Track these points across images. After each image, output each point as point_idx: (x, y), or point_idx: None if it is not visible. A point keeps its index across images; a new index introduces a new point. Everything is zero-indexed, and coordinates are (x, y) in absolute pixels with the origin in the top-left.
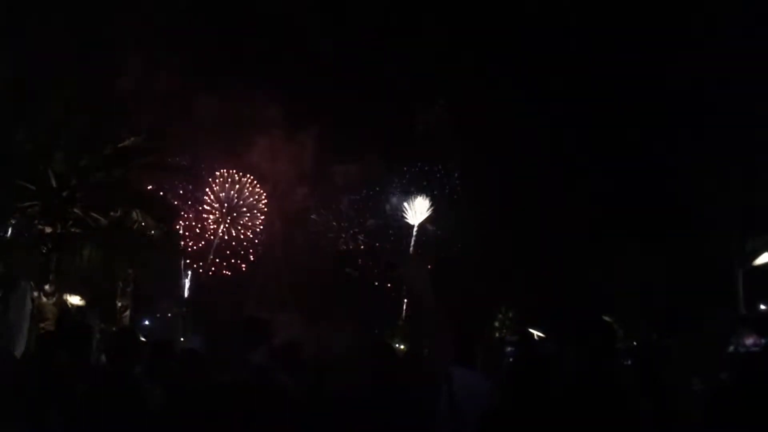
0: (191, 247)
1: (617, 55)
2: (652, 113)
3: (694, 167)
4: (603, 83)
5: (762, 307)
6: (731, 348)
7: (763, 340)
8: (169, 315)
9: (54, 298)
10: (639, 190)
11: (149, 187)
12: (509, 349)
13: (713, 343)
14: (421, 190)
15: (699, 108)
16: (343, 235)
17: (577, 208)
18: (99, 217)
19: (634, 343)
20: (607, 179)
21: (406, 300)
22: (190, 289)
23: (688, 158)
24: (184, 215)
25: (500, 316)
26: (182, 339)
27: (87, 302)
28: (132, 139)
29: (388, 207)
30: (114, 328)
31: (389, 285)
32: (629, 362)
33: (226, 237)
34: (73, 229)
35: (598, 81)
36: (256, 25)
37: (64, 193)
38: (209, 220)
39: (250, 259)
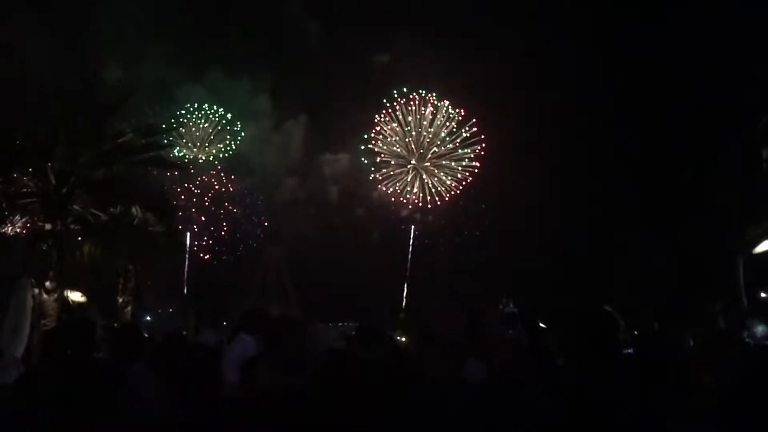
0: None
1: (618, 47)
2: (651, 102)
3: (693, 155)
4: (602, 74)
5: (763, 295)
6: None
7: None
8: (171, 310)
9: (55, 295)
10: (638, 179)
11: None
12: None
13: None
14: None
15: (697, 94)
16: None
17: (576, 198)
18: (99, 213)
19: (635, 333)
20: (607, 168)
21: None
22: (190, 283)
23: (687, 145)
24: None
25: (501, 307)
26: (184, 333)
27: (88, 299)
28: (131, 134)
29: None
30: (115, 324)
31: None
32: (630, 351)
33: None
34: (73, 226)
35: (598, 73)
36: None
37: (64, 190)
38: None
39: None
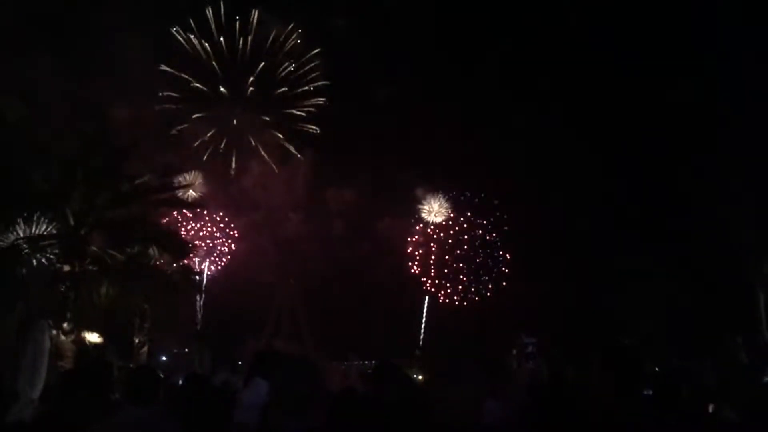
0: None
1: (638, 77)
2: (671, 133)
3: (713, 189)
4: (622, 108)
5: None
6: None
7: None
8: (186, 350)
9: (72, 336)
10: (659, 213)
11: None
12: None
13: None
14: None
15: (718, 128)
16: None
17: (596, 231)
18: (116, 254)
19: (656, 369)
20: (628, 202)
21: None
22: (203, 320)
23: (708, 181)
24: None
25: (521, 340)
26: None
27: (105, 339)
28: (148, 176)
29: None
30: (131, 365)
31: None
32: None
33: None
34: (90, 267)
35: (617, 105)
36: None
37: (82, 231)
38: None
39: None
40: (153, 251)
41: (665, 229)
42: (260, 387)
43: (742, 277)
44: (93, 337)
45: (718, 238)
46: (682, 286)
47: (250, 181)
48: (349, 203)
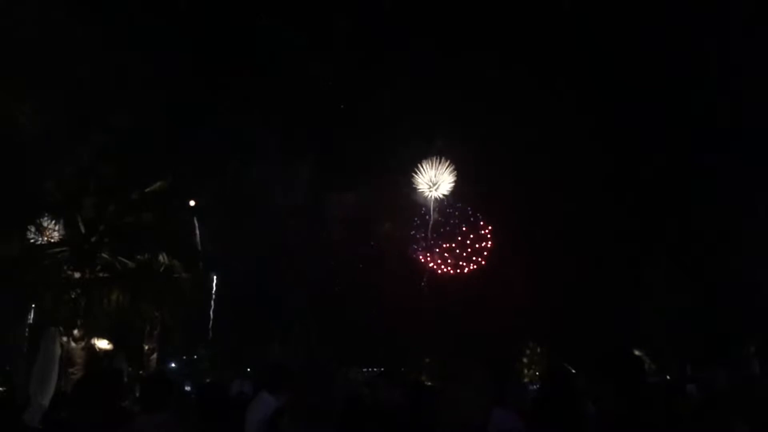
0: None
1: (652, 89)
2: (683, 145)
3: (724, 197)
4: (635, 118)
5: None
6: None
7: None
8: (195, 357)
9: (82, 343)
10: (669, 222)
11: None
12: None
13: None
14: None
15: (731, 138)
16: None
17: (606, 241)
18: (126, 261)
19: (668, 377)
20: (636, 211)
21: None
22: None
23: (718, 189)
24: None
25: (528, 351)
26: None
27: (115, 346)
28: (159, 182)
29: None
30: (141, 372)
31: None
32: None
33: None
34: (101, 274)
35: (631, 117)
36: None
37: (93, 239)
38: None
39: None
40: (163, 258)
41: (677, 239)
42: (265, 402)
43: (754, 287)
44: (103, 344)
45: (731, 247)
46: (694, 296)
47: (254, 187)
48: (354, 208)
